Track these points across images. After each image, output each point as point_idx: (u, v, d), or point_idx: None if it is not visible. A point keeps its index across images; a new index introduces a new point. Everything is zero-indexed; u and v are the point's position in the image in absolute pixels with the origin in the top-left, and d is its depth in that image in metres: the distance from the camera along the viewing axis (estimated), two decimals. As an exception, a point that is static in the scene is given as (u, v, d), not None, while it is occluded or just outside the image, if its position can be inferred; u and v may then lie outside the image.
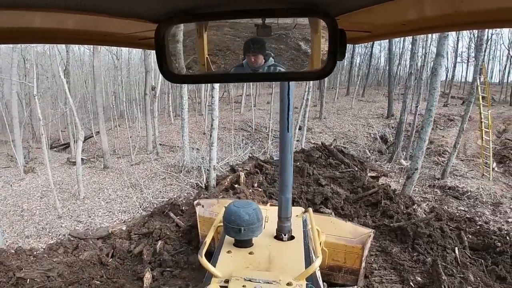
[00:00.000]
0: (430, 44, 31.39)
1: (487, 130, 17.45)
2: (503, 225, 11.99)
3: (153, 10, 1.16)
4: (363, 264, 6.67)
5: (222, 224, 4.01)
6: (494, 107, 34.48)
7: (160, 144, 25.03)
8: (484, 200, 14.06)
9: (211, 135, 12.13)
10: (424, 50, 23.30)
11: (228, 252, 3.90)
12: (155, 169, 18.01)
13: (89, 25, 1.32)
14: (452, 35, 36.51)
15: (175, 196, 13.75)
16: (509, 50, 43.40)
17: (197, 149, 20.87)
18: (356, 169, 12.83)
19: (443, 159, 19.89)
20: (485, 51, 36.25)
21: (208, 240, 3.82)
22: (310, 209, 4.92)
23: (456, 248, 8.56)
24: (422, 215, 10.89)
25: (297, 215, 4.85)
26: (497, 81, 48.64)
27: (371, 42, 40.65)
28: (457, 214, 12.05)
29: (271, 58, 1.28)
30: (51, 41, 1.49)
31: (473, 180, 16.08)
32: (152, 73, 23.62)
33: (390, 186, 11.68)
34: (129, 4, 1.13)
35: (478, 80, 16.55)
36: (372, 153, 23.89)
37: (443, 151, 21.87)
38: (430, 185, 15.38)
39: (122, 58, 37.83)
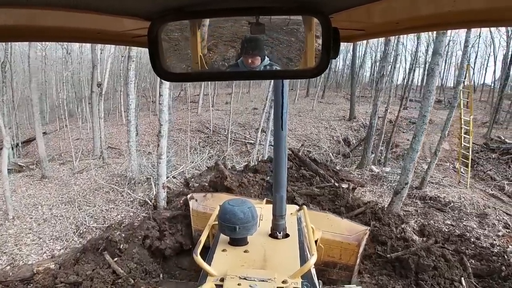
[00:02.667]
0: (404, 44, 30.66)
1: (467, 136, 15.91)
2: (494, 240, 10.58)
3: (146, 7, 1.14)
4: (358, 261, 6.57)
5: (217, 222, 3.93)
6: (451, 111, 34.26)
7: (110, 147, 22.46)
8: (468, 211, 12.54)
9: (158, 145, 9.66)
10: (395, 51, 21.39)
11: (223, 250, 3.81)
12: (99, 179, 15.25)
13: (81, 23, 1.26)
14: (411, 39, 35.80)
15: (118, 216, 11.27)
16: (467, 56, 43.39)
17: (149, 153, 18.29)
18: (333, 181, 10.78)
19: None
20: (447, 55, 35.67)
21: (203, 239, 3.77)
22: (305, 207, 4.80)
23: (462, 278, 7.31)
24: (413, 236, 9.24)
25: (291, 213, 4.74)
26: (452, 85, 49.10)
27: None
28: (446, 230, 10.57)
29: (267, 58, 1.24)
30: (42, 39, 1.43)
31: (452, 189, 14.59)
32: (99, 68, 20.66)
33: (377, 204, 9.73)
34: (122, 2, 1.10)
35: (462, 84, 15.26)
36: (336, 156, 22.37)
37: (411, 155, 20.42)
38: (409, 195, 13.55)
39: (74, 51, 34.73)
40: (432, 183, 14.85)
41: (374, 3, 1.06)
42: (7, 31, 1.23)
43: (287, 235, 4.18)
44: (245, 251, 3.80)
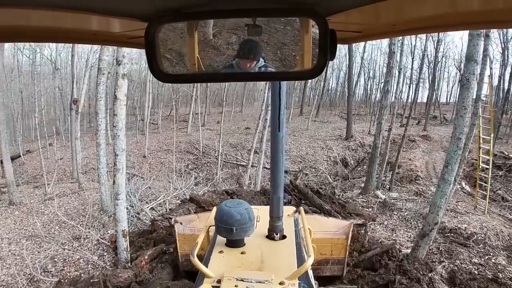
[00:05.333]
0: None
1: (487, 157, 13.94)
2: (528, 279, 8.87)
3: (143, 8, 1.11)
4: (347, 253, 6.58)
5: (213, 224, 3.81)
6: (448, 126, 32.87)
7: (93, 169, 20.38)
8: (493, 244, 10.60)
9: (114, 181, 7.44)
10: (398, 64, 19.33)
11: (220, 252, 3.69)
12: (70, 209, 13.02)
13: (78, 24, 1.23)
14: (406, 54, 34.11)
15: (81, 261, 9.16)
16: (459, 70, 41.78)
17: (133, 175, 16.15)
18: (340, 218, 8.69)
19: (421, 187, 16.17)
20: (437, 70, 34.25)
21: (200, 240, 3.69)
22: (302, 208, 4.74)
23: None
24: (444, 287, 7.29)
25: (288, 215, 4.63)
26: (445, 101, 48.29)
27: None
28: (476, 272, 8.70)
29: (261, 59, 1.20)
30: (38, 39, 1.40)
31: (470, 216, 12.54)
32: (75, 82, 18.54)
33: (400, 250, 7.66)
34: (119, 3, 1.08)
35: (480, 100, 13.17)
36: (335, 179, 20.30)
37: (416, 176, 18.36)
38: (425, 228, 11.45)
39: (62, 67, 32.83)
40: (447, 210, 12.70)
41: (371, 5, 1.03)
42: (3, 32, 1.19)
43: (284, 237, 4.10)
44: (242, 253, 3.70)
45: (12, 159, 26.41)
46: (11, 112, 31.43)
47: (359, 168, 22.55)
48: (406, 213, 12.27)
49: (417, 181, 17.75)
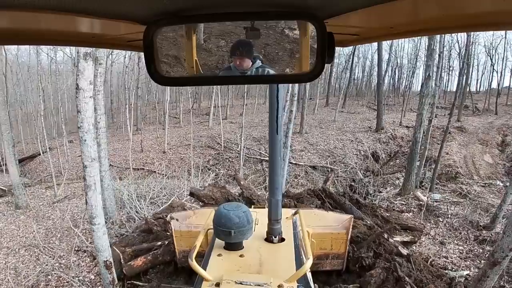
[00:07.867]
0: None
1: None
2: None
3: (142, 12, 1.09)
4: (348, 248, 6.30)
5: (212, 227, 3.70)
6: (480, 117, 30.68)
7: (111, 165, 19.29)
8: None
9: (87, 201, 5.79)
10: (443, 46, 17.08)
11: (219, 255, 3.57)
12: (77, 213, 11.76)
13: (76, 26, 1.22)
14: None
15: (76, 279, 7.78)
16: (491, 58, 39.00)
17: (153, 172, 14.87)
18: (386, 236, 7.05)
19: (464, 186, 14.15)
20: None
21: (198, 243, 3.56)
22: (300, 211, 4.62)
23: None
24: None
25: (287, 217, 4.52)
26: (474, 90, 45.59)
27: (356, 46, 37.93)
28: None
29: (258, 60, 1.19)
30: (37, 42, 1.39)
31: (525, 223, 10.30)
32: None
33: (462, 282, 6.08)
34: (117, 6, 1.05)
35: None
36: (365, 174, 18.52)
37: (456, 173, 16.34)
38: (477, 240, 9.48)
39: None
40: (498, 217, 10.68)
41: (368, 8, 1.02)
42: (1, 34, 1.18)
43: (282, 239, 3.92)
44: (241, 256, 3.53)
45: (32, 157, 25.91)
46: (31, 111, 30.96)
47: (391, 163, 20.71)
48: (454, 220, 10.36)
49: (458, 178, 15.74)
